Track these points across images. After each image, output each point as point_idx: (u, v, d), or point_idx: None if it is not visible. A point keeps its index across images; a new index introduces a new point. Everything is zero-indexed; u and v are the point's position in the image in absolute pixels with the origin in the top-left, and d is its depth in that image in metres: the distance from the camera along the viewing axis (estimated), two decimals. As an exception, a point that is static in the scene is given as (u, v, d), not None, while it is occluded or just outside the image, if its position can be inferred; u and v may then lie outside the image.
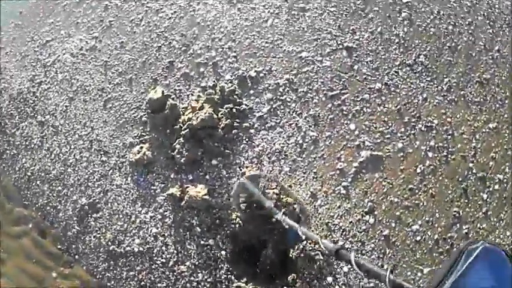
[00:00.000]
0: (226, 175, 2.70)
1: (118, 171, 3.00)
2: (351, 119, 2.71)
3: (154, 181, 2.85)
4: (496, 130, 2.67)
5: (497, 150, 2.61)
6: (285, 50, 3.10)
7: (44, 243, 2.97)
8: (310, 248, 2.37)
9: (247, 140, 2.76)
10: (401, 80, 2.83)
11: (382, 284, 1.33)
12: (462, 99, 2.77)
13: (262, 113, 2.82)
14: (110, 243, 2.82)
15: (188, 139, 2.78)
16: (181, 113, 2.92)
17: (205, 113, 2.74)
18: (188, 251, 2.61)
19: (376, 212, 2.45)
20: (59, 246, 2.99)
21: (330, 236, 2.45)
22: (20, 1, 4.39)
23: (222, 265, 2.52)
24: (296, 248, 2.39)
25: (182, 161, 2.77)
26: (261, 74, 2.99)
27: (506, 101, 2.77)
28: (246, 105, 2.87)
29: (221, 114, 2.81)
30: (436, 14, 3.10)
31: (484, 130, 2.67)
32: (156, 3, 3.74)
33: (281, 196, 2.50)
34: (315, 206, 2.50)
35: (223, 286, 2.49)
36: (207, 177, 2.73)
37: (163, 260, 2.65)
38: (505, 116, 2.72)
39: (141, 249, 2.72)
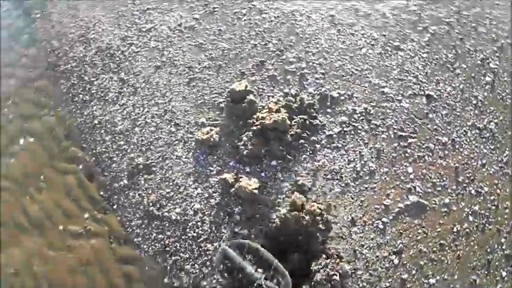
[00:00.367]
0: (281, 178, 2.87)
1: (182, 144, 3.18)
2: (411, 162, 2.89)
3: (214, 163, 3.03)
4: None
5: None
6: (370, 81, 3.27)
7: (88, 186, 3.21)
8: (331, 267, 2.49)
9: (310, 152, 2.96)
10: (468, 140, 2.98)
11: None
12: (517, 175, 2.87)
13: (332, 132, 3.03)
14: (151, 204, 2.99)
15: (257, 135, 3.00)
16: (258, 110, 3.14)
17: (280, 117, 2.95)
18: (221, 233, 2.76)
19: (403, 255, 2.56)
20: (102, 193, 3.17)
21: (353, 263, 2.51)
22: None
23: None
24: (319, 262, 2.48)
25: (245, 152, 2.98)
26: (342, 97, 3.18)
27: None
28: (320, 121, 3.08)
29: (294, 122, 3.03)
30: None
31: (527, 210, 2.74)
32: (262, 4, 3.89)
33: (323, 212, 2.62)
34: (350, 231, 2.65)
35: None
36: (263, 174, 2.90)
37: (195, 234, 2.80)
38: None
39: (178, 218, 2.88)
